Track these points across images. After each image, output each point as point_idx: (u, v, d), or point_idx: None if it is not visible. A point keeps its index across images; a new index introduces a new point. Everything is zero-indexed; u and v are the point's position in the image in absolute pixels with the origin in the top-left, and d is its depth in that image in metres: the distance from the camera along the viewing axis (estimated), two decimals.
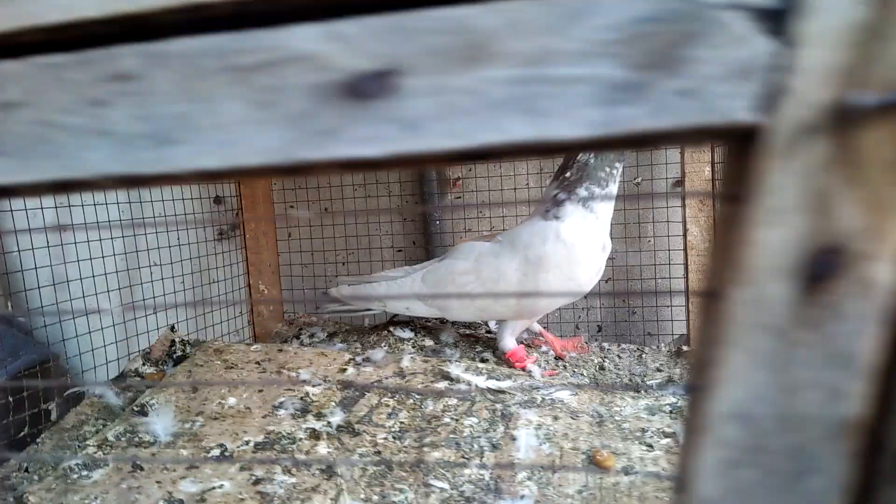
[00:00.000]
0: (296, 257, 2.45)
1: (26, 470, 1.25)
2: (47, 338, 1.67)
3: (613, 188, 1.66)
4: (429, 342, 1.82)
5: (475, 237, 1.84)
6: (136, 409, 1.39)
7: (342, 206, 2.39)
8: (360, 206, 2.38)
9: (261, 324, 2.33)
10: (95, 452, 1.27)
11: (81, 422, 1.44)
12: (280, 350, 1.67)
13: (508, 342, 1.72)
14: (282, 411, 1.41)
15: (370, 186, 2.39)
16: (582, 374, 1.75)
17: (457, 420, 1.39)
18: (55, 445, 1.37)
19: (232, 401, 1.45)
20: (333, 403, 1.45)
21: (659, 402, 1.54)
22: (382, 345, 1.82)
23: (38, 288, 1.63)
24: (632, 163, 2.16)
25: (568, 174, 1.71)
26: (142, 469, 1.22)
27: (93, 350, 1.75)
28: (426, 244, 2.35)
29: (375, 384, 1.51)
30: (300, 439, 1.31)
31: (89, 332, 1.74)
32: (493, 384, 1.51)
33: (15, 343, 1.57)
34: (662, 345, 2.07)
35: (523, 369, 1.67)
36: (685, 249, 2.00)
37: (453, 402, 1.46)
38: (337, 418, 1.38)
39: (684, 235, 2.00)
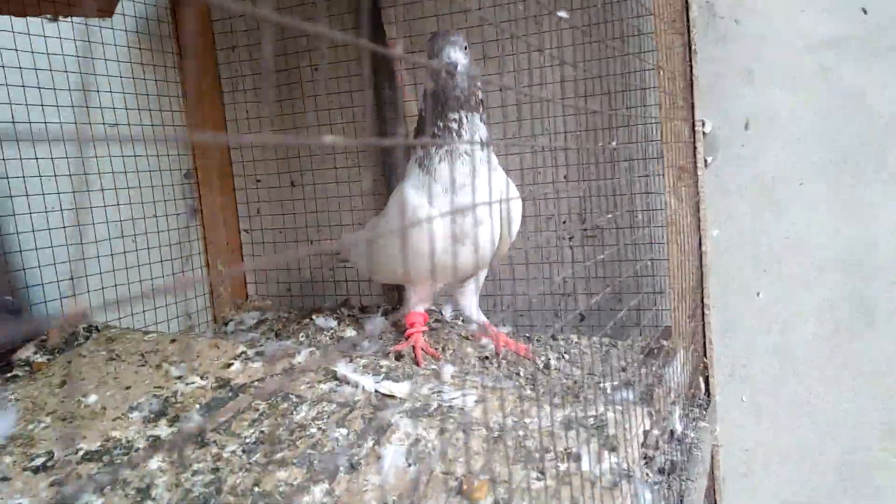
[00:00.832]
0: (260, 235, 2.29)
1: None
2: None
3: (461, 145, 1.35)
4: (350, 332, 1.62)
5: None
6: None
7: (312, 178, 2.21)
8: (329, 178, 2.19)
9: (220, 306, 2.20)
10: None
11: None
12: (173, 340, 1.52)
13: (406, 306, 1.54)
14: (135, 413, 1.26)
15: (339, 157, 2.18)
16: (516, 374, 1.50)
17: (323, 431, 1.19)
18: None
19: (92, 399, 1.31)
20: (198, 405, 1.28)
21: (586, 412, 1.28)
22: (301, 335, 1.63)
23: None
24: (605, 124, 1.85)
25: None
26: None
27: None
28: None
29: (252, 384, 1.33)
30: (137, 449, 1.16)
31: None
32: (384, 387, 1.30)
33: None
34: (640, 339, 1.78)
35: (408, 338, 1.47)
36: (667, 223, 1.69)
37: (332, 406, 1.26)
38: (192, 424, 1.21)
39: (666, 207, 1.69)
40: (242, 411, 1.26)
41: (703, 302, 1.72)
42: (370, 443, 1.15)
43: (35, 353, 1.53)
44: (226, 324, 1.85)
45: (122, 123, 2.06)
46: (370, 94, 1.98)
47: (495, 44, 1.91)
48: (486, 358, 1.52)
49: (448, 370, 1.39)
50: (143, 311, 1.99)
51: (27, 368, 1.49)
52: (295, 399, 1.28)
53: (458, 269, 1.49)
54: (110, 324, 1.65)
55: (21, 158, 1.83)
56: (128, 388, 1.34)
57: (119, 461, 1.12)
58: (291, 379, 1.35)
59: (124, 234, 1.98)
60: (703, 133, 1.84)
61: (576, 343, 1.77)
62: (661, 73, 1.59)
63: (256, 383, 1.34)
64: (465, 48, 1.34)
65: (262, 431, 1.20)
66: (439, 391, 1.30)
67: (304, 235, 2.23)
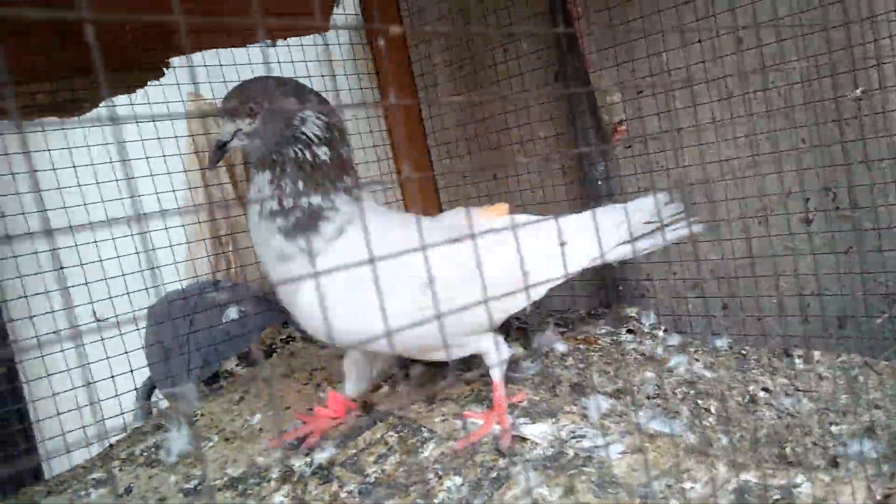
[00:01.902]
0: None
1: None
2: None
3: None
4: (514, 349, 1.46)
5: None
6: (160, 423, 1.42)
7: (513, 170, 2.08)
8: (522, 170, 2.03)
9: None
10: (116, 467, 1.33)
11: (159, 426, 1.53)
12: (340, 356, 1.52)
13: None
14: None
15: (528, 145, 2.01)
16: (705, 411, 1.19)
17: (440, 478, 1.07)
18: (124, 448, 1.48)
19: (256, 419, 1.37)
20: (338, 433, 1.25)
21: (774, 479, 0.94)
22: None
23: None
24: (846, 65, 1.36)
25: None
26: (129, 493, 1.24)
27: None
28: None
29: (391, 411, 1.26)
30: (269, 480, 1.17)
31: None
32: (515, 427, 1.12)
33: None
34: None
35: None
36: None
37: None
38: (325, 455, 1.19)
39: None
40: (374, 444, 1.20)
41: None
42: (482, 498, 1.00)
43: (237, 364, 1.67)
44: None
45: None
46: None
47: None
48: (657, 388, 1.24)
49: (599, 407, 1.15)
50: None
51: (230, 379, 1.64)
52: (426, 433, 1.18)
53: None
54: (299, 335, 1.73)
55: None
56: (287, 408, 1.38)
57: (251, 492, 1.15)
58: (429, 409, 1.25)
59: None
60: None
61: (817, 362, 1.36)
62: None
63: (397, 411, 1.27)
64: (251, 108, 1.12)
65: (383, 470, 1.13)
66: (581, 436, 1.08)
67: None
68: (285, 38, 2.15)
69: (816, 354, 1.38)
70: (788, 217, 1.54)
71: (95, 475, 1.33)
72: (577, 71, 1.73)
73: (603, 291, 1.83)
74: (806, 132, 1.47)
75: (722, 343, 1.49)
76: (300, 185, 1.11)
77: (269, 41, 2.17)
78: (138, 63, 1.92)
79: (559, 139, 1.86)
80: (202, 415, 1.44)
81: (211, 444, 1.33)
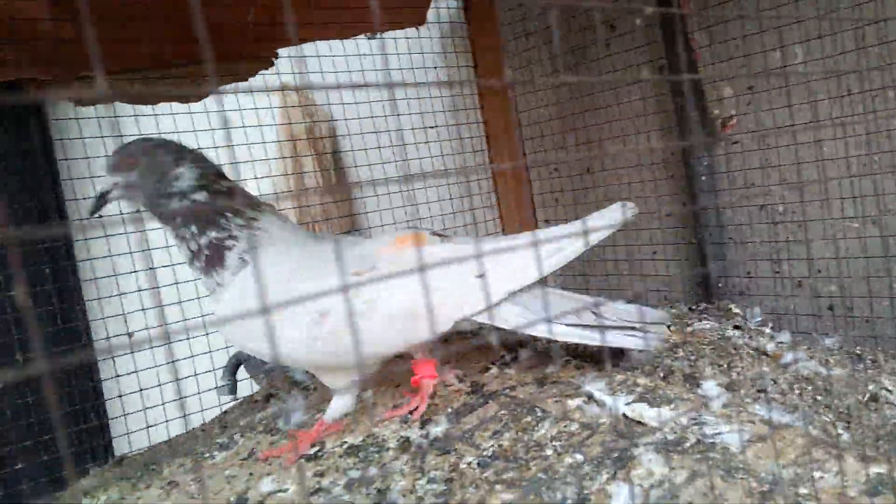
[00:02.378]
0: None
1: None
2: None
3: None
4: None
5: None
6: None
7: (601, 164, 2.08)
8: (621, 163, 2.04)
9: None
10: (237, 433, 1.41)
11: (270, 395, 1.61)
12: (446, 340, 1.56)
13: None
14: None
15: (629, 140, 2.01)
16: (825, 408, 1.18)
17: (559, 454, 1.09)
18: (238, 417, 1.56)
19: (368, 393, 1.43)
20: (450, 409, 1.29)
21: None
22: None
23: None
24: None
25: None
26: (251, 457, 1.30)
27: None
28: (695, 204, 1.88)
29: (502, 392, 1.30)
30: (388, 449, 1.22)
31: None
32: (634, 410, 1.14)
33: None
34: None
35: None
36: None
37: (574, 427, 1.15)
38: (439, 428, 1.23)
39: None
40: (488, 420, 1.23)
41: None
42: (604, 476, 1.02)
43: None
44: None
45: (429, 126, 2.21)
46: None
47: None
48: (775, 383, 1.23)
49: (720, 396, 1.15)
50: None
51: None
52: (539, 413, 1.21)
53: None
54: None
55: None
56: (398, 385, 1.43)
57: (371, 459, 1.20)
58: (541, 390, 1.28)
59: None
60: None
61: None
62: None
63: (507, 391, 1.30)
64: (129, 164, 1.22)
65: (500, 445, 1.16)
66: (702, 422, 1.09)
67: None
68: (383, 32, 2.21)
69: None
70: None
71: (218, 440, 1.41)
72: (685, 65, 1.72)
73: (702, 288, 1.82)
74: None
75: (831, 343, 1.47)
76: (194, 227, 1.23)
77: (369, 34, 2.24)
78: (250, 53, 2.00)
79: (662, 133, 1.86)
80: (315, 388, 1.51)
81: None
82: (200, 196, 1.22)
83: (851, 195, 1.53)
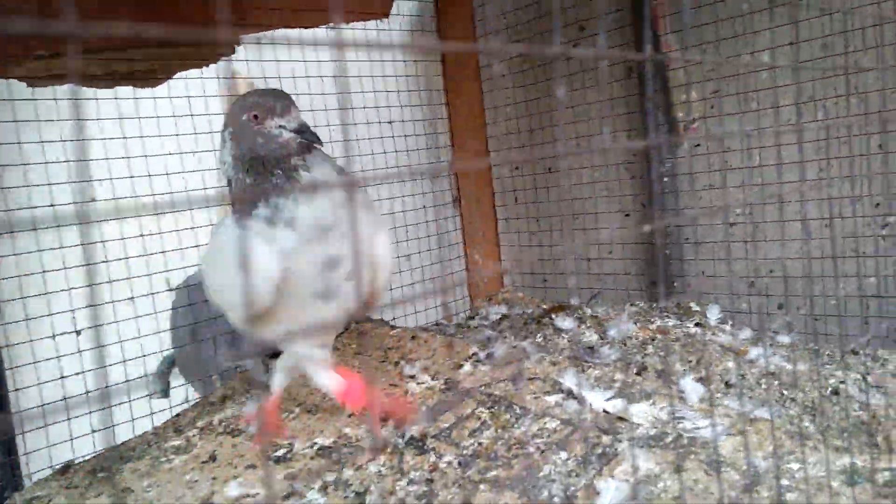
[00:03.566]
0: (517, 224, 2.24)
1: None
2: None
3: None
4: (590, 336, 1.47)
5: None
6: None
7: (566, 163, 2.09)
8: (585, 162, 2.05)
9: (477, 296, 2.21)
10: (195, 436, 1.33)
11: (225, 397, 1.53)
12: (413, 337, 1.54)
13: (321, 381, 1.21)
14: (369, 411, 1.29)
15: (594, 141, 2.02)
16: (791, 401, 1.21)
17: (542, 452, 1.08)
18: (195, 419, 1.48)
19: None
20: (425, 408, 1.27)
21: (878, 462, 0.97)
22: (538, 336, 1.53)
23: None
24: None
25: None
26: (214, 461, 1.24)
27: None
28: (654, 205, 1.91)
29: (477, 389, 1.28)
30: (362, 450, 1.18)
31: None
32: (615, 406, 1.14)
33: None
34: None
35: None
36: None
37: (555, 424, 1.14)
38: (415, 427, 1.20)
39: None
40: (466, 417, 1.21)
41: None
42: (591, 473, 1.01)
43: None
44: (472, 318, 1.84)
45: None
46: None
47: None
48: (744, 377, 1.26)
49: (696, 391, 1.17)
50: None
51: None
52: (518, 410, 1.20)
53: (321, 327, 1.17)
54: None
55: None
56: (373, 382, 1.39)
57: (345, 460, 1.15)
58: (517, 388, 1.26)
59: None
60: None
61: (884, 361, 1.39)
62: None
63: (482, 388, 1.29)
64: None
65: (480, 444, 1.14)
66: (681, 417, 1.10)
67: (558, 224, 2.13)
68: (347, 23, 2.15)
69: (884, 353, 1.41)
70: (855, 220, 1.57)
71: (174, 443, 1.33)
72: (654, 68, 1.75)
73: (659, 286, 1.85)
74: (881, 139, 1.50)
75: (787, 339, 1.52)
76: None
77: (331, 24, 2.18)
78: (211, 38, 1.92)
79: (628, 136, 1.88)
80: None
81: (292, 415, 1.33)
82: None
83: (805, 198, 1.59)
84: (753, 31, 1.61)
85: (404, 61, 2.14)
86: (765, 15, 1.58)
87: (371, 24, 2.14)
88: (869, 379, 1.33)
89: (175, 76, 1.80)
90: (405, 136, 2.15)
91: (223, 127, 1.12)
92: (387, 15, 2.14)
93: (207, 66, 1.80)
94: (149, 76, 1.71)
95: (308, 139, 1.06)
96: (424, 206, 2.15)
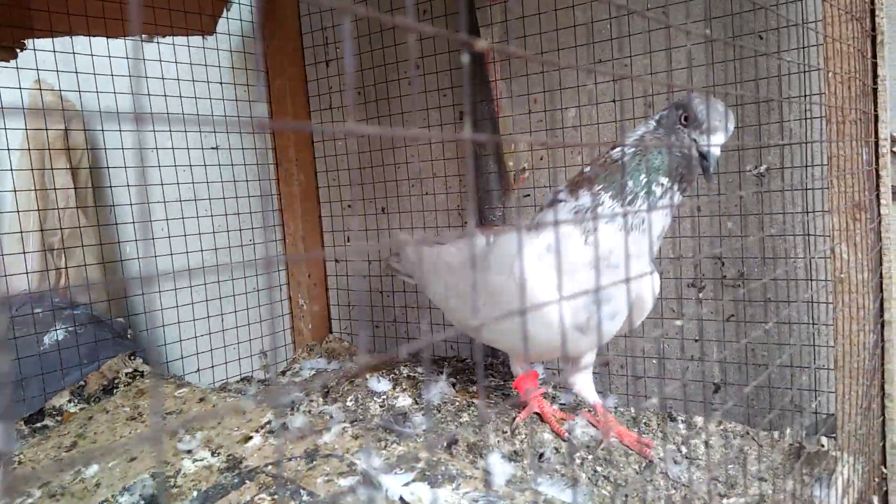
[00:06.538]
0: (346, 267, 2.09)
1: None
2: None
3: (646, 213, 1.03)
4: (404, 401, 1.34)
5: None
6: None
7: (397, 205, 1.97)
8: (415, 205, 1.94)
9: (301, 343, 2.01)
10: None
11: None
12: (201, 399, 1.33)
13: (514, 369, 1.32)
14: (125, 497, 1.06)
15: (426, 182, 1.92)
16: (604, 478, 1.13)
17: None
18: None
19: (92, 470, 1.14)
20: (196, 493, 1.06)
21: None
22: (349, 399, 1.38)
23: None
24: (753, 141, 1.41)
25: (587, 168, 1.13)
26: None
27: None
28: None
29: (263, 469, 1.09)
30: None
31: None
32: (412, 493, 1.00)
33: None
34: (788, 431, 1.33)
35: (526, 407, 1.27)
36: (834, 280, 1.24)
37: None
38: None
39: (833, 258, 1.24)
40: None
41: (882, 390, 1.24)
42: None
43: (69, 400, 1.41)
44: (283, 373, 1.66)
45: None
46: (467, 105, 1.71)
47: (608, 44, 1.56)
48: (561, 450, 1.17)
49: (504, 471, 1.06)
50: (224, 347, 1.85)
51: (58, 418, 1.37)
52: (305, 497, 1.03)
53: (572, 353, 1.24)
54: (149, 370, 1.50)
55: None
56: (133, 459, 1.16)
57: None
58: (310, 467, 1.09)
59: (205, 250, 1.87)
60: (894, 154, 1.35)
61: (694, 429, 1.36)
62: (830, 74, 1.16)
63: (269, 468, 1.10)
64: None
65: None
66: (490, 502, 0.98)
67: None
68: (164, 36, 1.94)
69: (699, 420, 1.39)
70: (678, 281, 1.56)
71: None
72: (486, 112, 1.68)
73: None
74: (703, 200, 1.51)
75: (609, 403, 1.46)
76: None
77: (144, 35, 1.94)
78: None
79: (461, 180, 1.80)
80: (20, 462, 1.18)
81: (30, 500, 1.08)
82: None
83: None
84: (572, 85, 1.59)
85: (221, 83, 1.95)
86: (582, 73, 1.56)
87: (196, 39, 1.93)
88: (683, 450, 1.29)
89: None
90: (231, 165, 1.95)
91: None
92: (211, 32, 1.96)
93: None
94: None
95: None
96: (243, 244, 1.95)
